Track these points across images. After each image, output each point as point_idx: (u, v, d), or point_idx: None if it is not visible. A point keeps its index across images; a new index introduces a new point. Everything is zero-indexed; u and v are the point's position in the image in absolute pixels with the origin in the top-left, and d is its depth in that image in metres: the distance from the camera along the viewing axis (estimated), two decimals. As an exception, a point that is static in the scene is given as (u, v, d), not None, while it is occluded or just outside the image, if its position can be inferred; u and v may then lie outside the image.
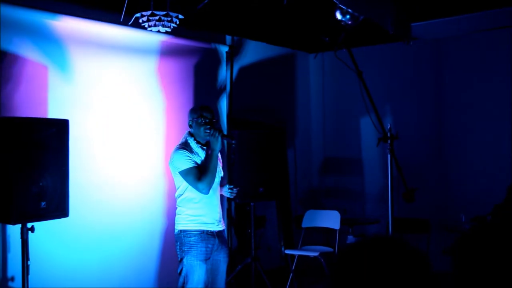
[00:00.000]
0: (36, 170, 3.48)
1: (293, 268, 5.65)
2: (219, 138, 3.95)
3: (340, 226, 5.69)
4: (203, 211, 3.95)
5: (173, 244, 4.07)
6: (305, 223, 5.92)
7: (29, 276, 3.56)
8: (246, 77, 6.20)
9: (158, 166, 4.93)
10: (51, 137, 3.58)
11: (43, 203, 3.50)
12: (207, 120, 4.00)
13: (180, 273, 3.93)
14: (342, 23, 4.31)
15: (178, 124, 4.97)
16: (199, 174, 3.88)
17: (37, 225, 3.60)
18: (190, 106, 4.76)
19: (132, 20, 3.73)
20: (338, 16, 4.30)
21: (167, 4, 3.63)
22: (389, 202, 4.11)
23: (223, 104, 5.70)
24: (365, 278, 1.22)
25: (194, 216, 3.94)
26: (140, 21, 3.65)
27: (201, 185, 3.87)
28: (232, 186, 4.24)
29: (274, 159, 5.25)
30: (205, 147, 4.01)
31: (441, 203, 6.16)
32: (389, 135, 4.11)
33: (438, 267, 1.68)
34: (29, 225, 3.56)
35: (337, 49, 4.31)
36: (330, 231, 5.89)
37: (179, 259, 3.96)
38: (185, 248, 3.91)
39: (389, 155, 4.11)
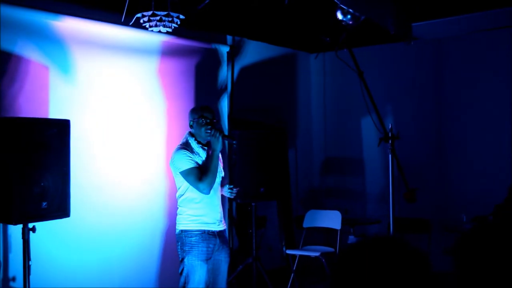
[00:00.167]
0: (37, 171, 3.49)
1: (294, 268, 5.65)
2: (220, 139, 3.96)
3: (341, 226, 5.69)
4: (204, 211, 3.95)
5: (174, 244, 4.07)
6: (306, 223, 5.92)
7: (30, 276, 3.56)
8: (247, 77, 6.20)
9: (159, 166, 4.93)
10: (52, 138, 3.58)
11: (44, 203, 3.51)
12: (208, 121, 4.00)
13: (181, 273, 3.94)
14: (343, 23, 4.31)
15: (179, 124, 4.97)
16: (200, 174, 3.89)
17: (38, 225, 3.60)
18: (191, 106, 4.76)
19: (133, 20, 3.74)
20: (339, 16, 4.30)
21: (168, 4, 3.63)
22: (390, 202, 4.10)
23: (224, 104, 5.70)
24: (366, 278, 1.23)
25: (195, 216, 3.94)
26: (141, 21, 3.65)
27: (202, 185, 3.88)
28: (232, 186, 4.24)
29: (275, 159, 5.25)
30: (205, 147, 4.02)
31: (442, 203, 6.16)
32: (390, 135, 4.11)
33: (439, 267, 1.68)
34: (30, 225, 3.56)
35: (338, 49, 4.31)
36: (331, 231, 5.89)
37: (180, 259, 3.97)
38: (186, 248, 3.91)
39: (390, 155, 4.11)
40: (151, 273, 4.91)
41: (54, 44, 4.26)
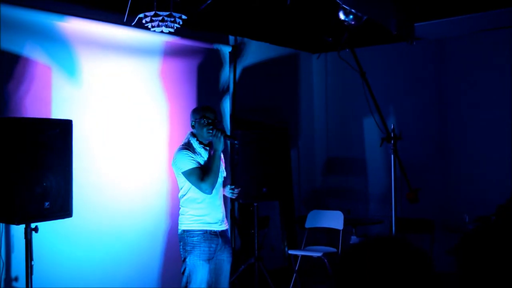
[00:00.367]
0: (39, 171, 3.49)
1: (296, 268, 5.64)
2: (222, 139, 3.96)
3: (344, 227, 5.69)
4: (206, 211, 3.95)
5: (177, 244, 4.07)
6: (309, 224, 5.92)
7: (33, 276, 3.56)
8: (249, 78, 6.20)
9: (162, 166, 4.94)
10: (55, 138, 3.59)
11: (46, 203, 3.51)
12: (210, 121, 4.00)
13: (183, 273, 3.94)
14: (345, 23, 4.31)
15: (181, 124, 4.97)
16: (202, 174, 3.89)
17: (40, 225, 3.61)
18: (193, 106, 4.77)
19: (135, 20, 3.74)
20: (341, 16, 4.29)
21: (170, 5, 3.63)
22: (392, 202, 4.10)
23: (226, 105, 5.71)
24: (368, 278, 1.22)
25: (197, 216, 3.94)
26: (144, 21, 3.66)
27: (204, 185, 3.88)
28: (233, 187, 4.23)
29: (277, 160, 5.25)
30: (207, 148, 4.02)
31: (445, 203, 6.15)
32: (392, 135, 4.10)
33: (442, 268, 1.68)
34: (32, 225, 3.57)
35: (340, 49, 4.31)
36: (334, 231, 5.89)
37: (182, 259, 3.97)
38: (188, 248, 3.91)
39: (392, 155, 4.10)
40: (153, 273, 4.91)
41: (58, 44, 4.27)
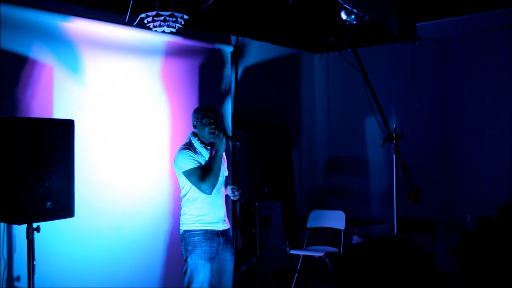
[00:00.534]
0: (42, 171, 3.49)
1: (298, 268, 5.65)
2: (224, 139, 3.95)
3: (345, 226, 5.69)
4: (207, 211, 3.95)
5: (178, 244, 4.07)
6: (310, 223, 5.92)
7: (35, 276, 3.57)
8: (251, 78, 6.21)
9: (163, 166, 4.94)
10: (57, 138, 3.59)
11: (48, 203, 3.51)
12: (212, 121, 4.00)
13: (185, 273, 3.94)
14: (347, 23, 4.30)
15: (182, 124, 4.98)
16: (202, 174, 3.88)
17: (42, 225, 3.61)
18: (195, 106, 4.76)
19: (137, 20, 3.74)
20: (343, 16, 4.29)
21: (172, 5, 3.63)
22: (394, 202, 4.10)
23: (228, 105, 5.70)
24: (370, 278, 1.22)
25: (198, 216, 3.94)
26: (145, 21, 3.66)
27: (204, 185, 3.87)
28: (235, 187, 4.21)
29: (279, 159, 5.25)
30: (209, 147, 4.02)
31: (446, 203, 6.14)
32: (394, 135, 4.10)
33: (443, 268, 1.68)
34: (34, 225, 3.57)
35: (342, 49, 4.30)
36: (335, 231, 5.89)
37: (184, 258, 3.97)
38: (190, 248, 3.91)
39: (394, 155, 4.10)
40: (155, 273, 4.91)
41: (60, 44, 4.27)
